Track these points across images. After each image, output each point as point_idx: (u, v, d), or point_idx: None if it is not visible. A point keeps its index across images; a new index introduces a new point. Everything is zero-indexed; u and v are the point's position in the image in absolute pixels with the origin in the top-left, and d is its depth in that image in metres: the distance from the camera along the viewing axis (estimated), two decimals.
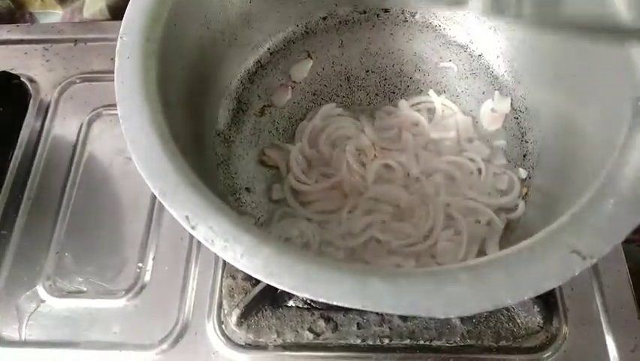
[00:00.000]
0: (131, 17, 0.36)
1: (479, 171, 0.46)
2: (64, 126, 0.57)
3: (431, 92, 0.50)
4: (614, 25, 0.30)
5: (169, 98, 0.36)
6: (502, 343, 0.43)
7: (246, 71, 0.52)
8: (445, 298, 0.26)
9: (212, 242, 0.28)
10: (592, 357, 0.44)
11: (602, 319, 0.45)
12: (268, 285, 0.42)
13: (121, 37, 0.35)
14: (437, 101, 0.49)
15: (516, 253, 0.27)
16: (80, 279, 0.48)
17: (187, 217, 0.28)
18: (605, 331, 0.44)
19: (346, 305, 0.26)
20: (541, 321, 0.43)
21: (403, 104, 0.50)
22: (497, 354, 0.43)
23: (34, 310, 0.47)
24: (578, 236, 0.28)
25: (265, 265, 0.27)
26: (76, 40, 0.63)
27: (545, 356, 0.43)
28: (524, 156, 0.48)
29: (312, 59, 0.53)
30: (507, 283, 0.26)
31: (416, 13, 0.54)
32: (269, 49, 0.54)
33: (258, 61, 0.53)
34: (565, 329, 0.44)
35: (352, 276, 0.26)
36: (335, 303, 0.26)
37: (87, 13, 0.70)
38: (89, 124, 0.57)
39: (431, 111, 0.50)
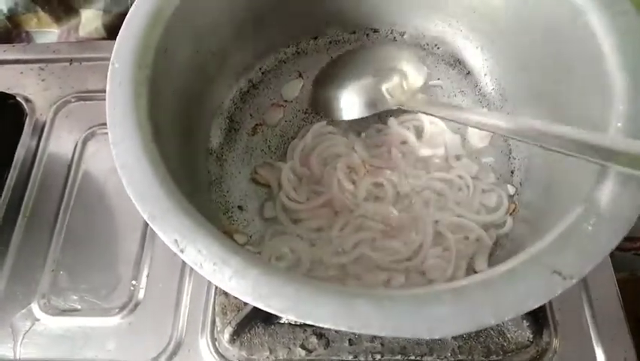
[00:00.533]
0: (123, 43, 0.37)
1: (468, 187, 0.47)
2: (59, 145, 0.58)
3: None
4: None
5: (160, 122, 0.36)
6: (493, 358, 0.44)
7: (237, 91, 0.53)
8: (429, 319, 0.26)
9: (201, 265, 0.28)
10: None
11: (592, 332, 0.45)
12: None
13: (112, 64, 0.36)
14: (425, 118, 0.50)
15: (499, 274, 0.28)
16: (75, 297, 0.49)
17: (176, 240, 0.29)
18: (594, 344, 0.45)
19: (333, 327, 0.26)
20: (531, 335, 0.44)
21: (392, 121, 0.50)
22: None
23: (29, 328, 0.47)
24: (558, 257, 0.28)
25: (254, 286, 0.28)
26: (71, 60, 0.64)
27: None
28: (512, 172, 0.48)
29: (303, 78, 0.54)
30: (490, 304, 0.27)
31: (405, 32, 0.55)
32: (260, 69, 0.54)
33: (250, 80, 0.54)
34: (555, 343, 0.45)
35: (339, 298, 0.27)
36: (322, 325, 0.26)
37: (83, 32, 0.71)
38: (84, 143, 0.58)
39: (419, 129, 0.50)
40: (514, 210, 0.46)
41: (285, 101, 0.53)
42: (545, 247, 0.29)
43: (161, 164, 0.32)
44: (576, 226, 0.29)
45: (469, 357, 0.43)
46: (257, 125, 0.52)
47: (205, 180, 0.48)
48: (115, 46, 0.37)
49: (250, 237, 0.47)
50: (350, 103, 0.50)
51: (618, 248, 0.29)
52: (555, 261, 0.28)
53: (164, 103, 0.38)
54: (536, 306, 0.27)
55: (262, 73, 0.54)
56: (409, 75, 0.50)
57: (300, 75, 0.54)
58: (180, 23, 0.40)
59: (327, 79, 0.53)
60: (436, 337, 0.26)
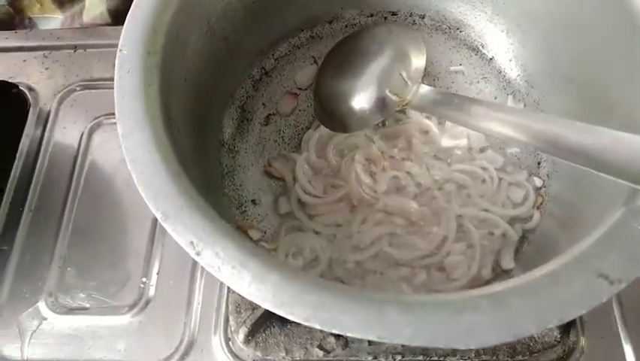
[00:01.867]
0: (131, 29, 0.34)
1: (492, 180, 0.45)
2: (64, 136, 0.56)
3: None
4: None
5: (172, 112, 0.34)
6: (519, 358, 0.42)
7: (250, 79, 0.51)
8: (464, 328, 0.24)
9: (219, 269, 0.26)
10: None
11: (621, 331, 0.43)
12: None
13: (120, 50, 0.34)
14: None
15: (538, 278, 0.26)
16: (83, 295, 0.47)
17: (192, 243, 0.27)
18: (623, 342, 0.43)
19: (360, 337, 0.24)
20: (559, 335, 0.42)
21: (412, 110, 0.48)
22: None
23: (37, 327, 0.46)
24: (604, 259, 0.26)
25: (274, 293, 0.26)
26: (75, 47, 0.62)
27: None
28: (539, 163, 0.46)
29: (318, 64, 0.52)
30: (530, 312, 0.24)
31: (425, 15, 0.52)
32: (273, 55, 0.52)
33: (262, 68, 0.52)
34: (582, 342, 0.43)
35: (367, 305, 0.25)
36: (349, 334, 0.24)
37: (87, 18, 0.69)
38: (90, 133, 0.56)
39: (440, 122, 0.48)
40: (541, 204, 0.44)
41: (299, 89, 0.51)
42: (589, 248, 0.27)
43: (173, 158, 0.30)
44: (622, 225, 0.27)
45: (494, 358, 0.42)
46: (270, 114, 0.50)
47: (217, 173, 0.46)
48: (122, 31, 0.34)
49: (264, 232, 0.45)
50: (354, 115, 0.46)
51: None
52: (601, 264, 0.26)
53: (175, 92, 0.36)
54: (580, 314, 0.25)
55: (275, 59, 0.52)
56: (410, 59, 0.46)
57: (315, 61, 0.52)
58: (191, 7, 0.37)
59: (324, 88, 0.49)
60: (472, 347, 0.24)
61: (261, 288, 0.26)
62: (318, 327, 0.24)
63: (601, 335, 0.43)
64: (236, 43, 0.47)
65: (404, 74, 0.44)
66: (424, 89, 0.43)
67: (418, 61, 0.46)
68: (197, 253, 0.27)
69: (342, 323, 0.24)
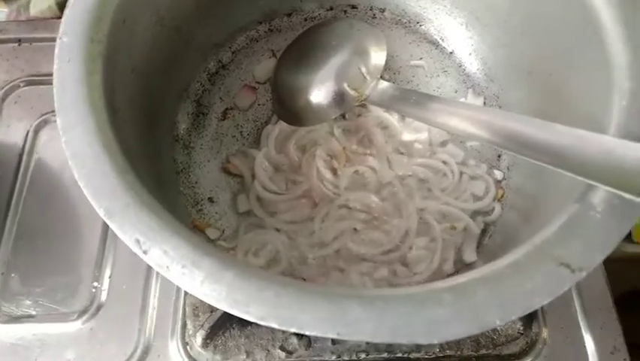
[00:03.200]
0: (73, 15, 0.32)
1: (453, 174, 0.44)
2: (8, 134, 0.52)
3: None
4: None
5: (118, 105, 0.32)
6: (482, 351, 0.42)
7: (205, 72, 0.49)
8: (427, 322, 0.23)
9: (168, 268, 0.24)
10: (572, 359, 0.42)
11: (581, 321, 0.44)
12: None
13: (60, 38, 0.31)
14: None
15: (501, 269, 0.25)
16: (29, 302, 0.44)
17: (137, 241, 0.25)
18: (584, 333, 0.43)
19: (320, 335, 0.23)
20: (521, 327, 0.42)
21: (372, 107, 0.47)
22: None
23: None
24: (565, 247, 0.26)
25: (228, 292, 0.24)
26: (20, 40, 0.58)
27: None
28: (499, 156, 0.46)
29: (276, 58, 0.50)
30: (494, 304, 0.24)
31: (385, 9, 0.52)
32: (230, 48, 0.50)
33: (219, 61, 0.50)
34: (544, 333, 0.43)
35: (326, 301, 0.24)
36: (307, 333, 0.23)
37: (34, 11, 0.65)
38: (37, 131, 0.53)
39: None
40: (502, 196, 0.44)
41: (258, 82, 0.49)
42: (550, 237, 0.26)
43: (118, 153, 0.28)
44: (582, 214, 0.27)
45: (458, 352, 0.41)
46: (227, 109, 0.48)
47: (171, 169, 0.44)
48: (63, 17, 0.32)
49: (223, 231, 0.43)
50: (312, 109, 0.45)
51: None
52: (562, 252, 0.25)
53: (121, 82, 0.33)
54: (544, 303, 0.24)
55: (233, 52, 0.50)
56: (370, 54, 0.45)
57: (274, 54, 0.50)
58: None
59: (282, 82, 0.48)
60: (435, 341, 0.23)
61: (214, 287, 0.24)
62: (275, 326, 0.23)
63: (562, 325, 0.44)
64: (189, 34, 0.45)
65: (363, 69, 0.44)
66: (383, 84, 0.42)
67: (378, 57, 0.45)
68: (144, 252, 0.25)
69: (301, 321, 0.23)
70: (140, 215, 0.26)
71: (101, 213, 0.26)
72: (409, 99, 0.39)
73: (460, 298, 0.24)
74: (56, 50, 0.31)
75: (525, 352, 0.42)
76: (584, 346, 0.43)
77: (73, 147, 0.27)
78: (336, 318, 0.23)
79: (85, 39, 0.31)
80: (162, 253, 0.25)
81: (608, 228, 0.26)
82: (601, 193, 0.27)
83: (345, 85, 0.43)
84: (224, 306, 0.24)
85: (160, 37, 0.40)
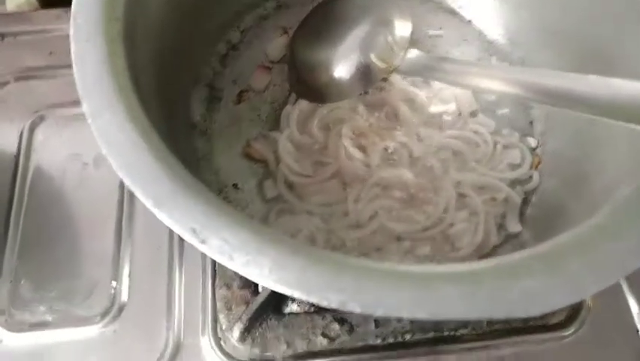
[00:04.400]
0: None
1: (486, 143, 0.43)
2: (1, 135, 0.49)
3: None
4: None
5: (142, 89, 0.29)
6: (530, 323, 0.41)
7: (215, 55, 0.46)
8: (523, 294, 0.21)
9: (231, 257, 0.22)
10: (618, 325, 0.42)
11: (624, 286, 0.43)
12: (273, 291, 0.37)
13: (74, 19, 0.28)
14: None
15: (588, 233, 0.24)
16: (43, 308, 0.42)
17: (194, 230, 0.22)
18: (627, 297, 0.42)
19: (409, 316, 0.21)
20: None
21: (395, 77, 0.45)
22: (525, 335, 0.41)
23: None
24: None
25: (301, 278, 0.22)
26: (3, 35, 0.54)
27: (572, 330, 0.41)
28: (531, 123, 0.44)
29: (289, 35, 0.47)
30: (589, 270, 0.22)
31: None
32: (239, 27, 0.48)
33: (229, 42, 0.47)
34: (588, 301, 0.42)
35: (409, 280, 0.22)
36: (396, 315, 0.21)
37: (12, 5, 0.61)
38: (32, 130, 0.49)
39: (426, 83, 0.45)
40: (538, 164, 0.42)
41: (272, 62, 0.47)
42: (632, 195, 0.25)
43: (155, 137, 0.25)
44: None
45: (506, 325, 0.40)
46: (242, 91, 0.45)
47: (192, 158, 0.41)
48: None
49: (252, 218, 0.40)
50: (336, 85, 0.43)
51: None
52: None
53: (142, 65, 0.31)
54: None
55: (241, 32, 0.47)
56: (394, 24, 0.43)
57: (286, 32, 0.48)
58: None
59: (301, 59, 0.45)
60: (535, 314, 0.21)
61: (284, 276, 0.22)
62: (358, 311, 0.21)
63: (604, 291, 0.43)
64: (199, 13, 0.42)
65: (390, 40, 0.41)
66: (414, 53, 0.40)
67: (403, 27, 0.42)
68: (202, 241, 0.22)
69: (387, 304, 0.21)
70: (190, 202, 0.23)
71: (149, 203, 0.23)
72: (442, 66, 0.37)
73: (552, 266, 0.22)
74: (71, 32, 0.28)
75: (570, 319, 0.41)
76: (630, 310, 0.42)
77: (106, 134, 0.25)
78: (426, 298, 0.21)
79: (102, 18, 0.28)
80: (222, 241, 0.22)
81: None
82: None
83: (373, 56, 0.41)
84: (299, 294, 0.21)
85: (170, 18, 0.37)
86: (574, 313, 0.42)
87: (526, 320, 0.40)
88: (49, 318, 0.41)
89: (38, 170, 0.47)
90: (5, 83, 0.52)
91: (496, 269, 0.22)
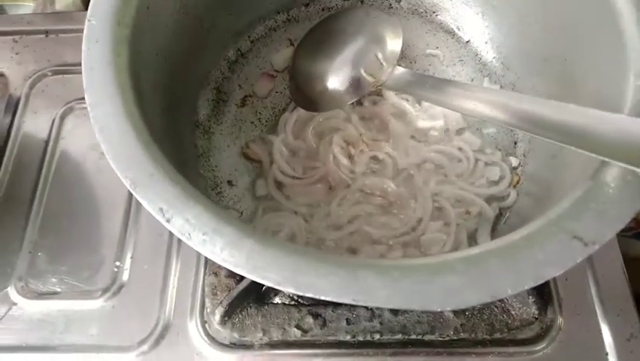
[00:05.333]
0: (100, 0, 0.33)
1: (468, 160, 0.45)
2: (35, 121, 0.54)
3: None
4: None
5: (142, 86, 0.33)
6: (497, 335, 0.42)
7: (225, 60, 0.50)
8: (440, 289, 0.24)
9: (189, 236, 0.26)
10: (588, 347, 0.43)
11: (597, 308, 0.44)
12: (253, 281, 0.40)
13: (89, 21, 0.33)
14: None
15: (514, 241, 0.26)
16: (54, 279, 0.46)
17: (161, 209, 0.26)
18: (600, 320, 0.43)
19: (336, 300, 0.24)
20: (536, 312, 0.42)
21: (389, 93, 0.48)
22: (491, 347, 0.42)
23: (6, 313, 0.45)
24: (578, 221, 0.26)
25: (248, 258, 0.25)
26: (47, 32, 0.60)
27: (540, 347, 0.42)
28: (515, 143, 0.46)
29: (294, 46, 0.51)
30: (506, 273, 0.24)
31: None
32: (249, 37, 0.51)
33: (238, 49, 0.51)
34: (560, 320, 0.43)
35: (342, 269, 0.25)
36: (324, 298, 0.24)
37: (60, 5, 0.67)
38: (62, 119, 0.54)
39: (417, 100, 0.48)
40: (517, 183, 0.44)
41: (276, 70, 0.51)
42: (563, 211, 0.27)
43: (144, 128, 0.29)
44: (596, 190, 0.27)
45: (472, 335, 0.42)
46: (246, 96, 0.49)
47: (192, 154, 0.45)
48: (91, 2, 0.33)
49: (241, 213, 0.44)
50: (329, 95, 0.46)
51: None
52: (575, 226, 0.26)
53: (146, 66, 0.35)
54: (556, 274, 0.25)
55: (251, 41, 0.51)
56: (386, 41, 0.46)
57: (292, 43, 0.51)
58: None
59: (300, 69, 0.48)
60: (449, 308, 0.24)
61: (234, 253, 0.25)
62: (292, 291, 0.24)
63: (578, 312, 0.44)
64: (211, 22, 0.46)
65: (380, 56, 0.44)
66: (399, 70, 0.43)
67: (394, 44, 0.45)
68: (167, 220, 0.26)
69: (318, 287, 0.24)
70: (163, 185, 0.27)
71: (126, 183, 0.27)
72: (425, 84, 0.40)
73: (473, 267, 0.25)
74: (85, 32, 0.32)
75: (540, 337, 0.43)
76: (600, 332, 0.43)
77: (101, 121, 0.29)
78: (352, 285, 0.24)
79: (112, 22, 0.33)
80: (184, 221, 0.26)
81: (621, 203, 0.26)
82: (614, 170, 0.28)
83: (362, 71, 0.44)
84: (243, 271, 0.25)
85: (182, 25, 0.41)
86: (544, 331, 0.43)
87: (492, 332, 0.41)
88: (58, 289, 0.46)
89: (64, 155, 0.52)
90: (45, 75, 0.57)
91: (421, 265, 0.25)
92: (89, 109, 0.29)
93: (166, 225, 0.26)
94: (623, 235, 0.71)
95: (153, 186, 0.27)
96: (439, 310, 0.24)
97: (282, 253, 0.25)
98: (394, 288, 0.24)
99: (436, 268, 0.25)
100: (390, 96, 0.48)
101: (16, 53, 0.59)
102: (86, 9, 0.66)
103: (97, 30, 0.32)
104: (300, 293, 0.24)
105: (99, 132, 0.28)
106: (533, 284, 0.24)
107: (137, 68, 0.33)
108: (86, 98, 0.30)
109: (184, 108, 0.45)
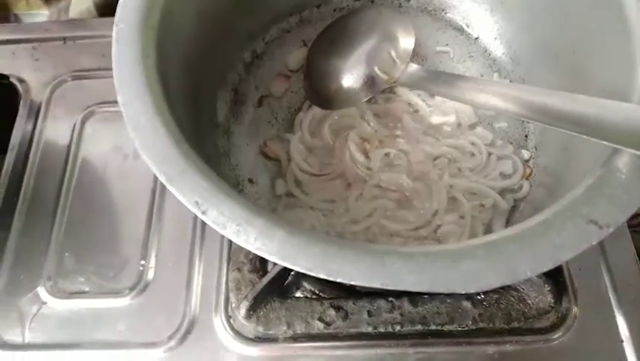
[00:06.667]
0: (127, 5, 0.35)
1: (481, 153, 0.46)
2: (56, 126, 0.56)
3: None
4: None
5: (169, 87, 0.35)
6: (514, 324, 0.43)
7: (241, 62, 0.52)
8: (463, 273, 0.25)
9: (224, 226, 0.27)
10: (603, 335, 0.43)
11: (612, 297, 0.45)
12: (276, 276, 0.42)
13: (117, 25, 0.34)
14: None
15: (531, 227, 0.27)
16: (82, 279, 0.47)
17: (197, 202, 0.27)
18: (615, 309, 0.44)
19: (365, 284, 0.25)
20: (552, 301, 0.43)
21: (402, 89, 0.49)
22: (509, 336, 0.43)
23: (37, 312, 0.46)
24: (593, 206, 0.27)
25: (280, 247, 0.26)
26: (64, 39, 0.62)
27: (557, 335, 0.43)
28: (526, 136, 0.47)
29: (307, 47, 0.53)
30: (525, 257, 0.26)
31: None
32: (264, 39, 0.53)
33: (254, 51, 0.52)
34: (575, 309, 0.44)
35: (370, 255, 0.26)
36: (354, 282, 0.25)
37: (74, 13, 0.69)
38: (83, 123, 0.56)
39: (430, 96, 0.49)
40: (530, 175, 0.45)
41: (291, 71, 0.52)
42: (578, 197, 0.28)
43: (174, 125, 0.31)
44: (608, 175, 0.28)
45: (490, 325, 0.43)
46: (262, 96, 0.51)
47: (214, 153, 0.46)
48: (118, 6, 0.35)
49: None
50: (343, 93, 0.47)
51: None
52: (590, 210, 0.27)
53: (171, 67, 0.36)
54: (572, 256, 0.26)
55: (266, 43, 0.53)
56: (398, 40, 0.47)
57: (305, 44, 0.53)
58: None
59: (315, 69, 0.50)
60: (472, 291, 0.25)
61: (267, 243, 0.26)
62: (323, 276, 0.25)
63: (592, 301, 0.45)
64: (228, 25, 0.47)
65: (393, 54, 0.46)
66: (413, 67, 0.44)
67: (406, 42, 0.47)
68: (203, 212, 0.27)
69: (347, 273, 0.25)
70: (196, 180, 0.28)
71: (162, 178, 0.28)
72: (438, 79, 0.41)
73: (493, 252, 0.26)
74: (114, 35, 0.34)
75: (556, 326, 0.44)
76: (615, 321, 0.44)
77: (134, 120, 0.30)
78: (380, 270, 0.25)
79: (139, 26, 0.34)
80: (219, 213, 0.27)
81: (633, 187, 0.28)
82: (625, 157, 0.29)
83: (376, 68, 0.45)
84: (276, 259, 0.26)
85: (202, 28, 0.43)
86: (560, 320, 0.44)
87: (509, 321, 0.42)
88: (86, 288, 0.47)
89: (86, 159, 0.54)
90: (65, 81, 0.59)
91: (444, 252, 0.26)
92: (121, 108, 0.31)
93: (202, 217, 0.27)
94: (633, 230, 0.72)
95: (187, 181, 0.28)
96: (463, 292, 0.25)
97: (312, 241, 0.26)
98: (420, 273, 0.25)
99: (458, 254, 0.26)
100: (404, 93, 0.49)
101: (36, 60, 0.60)
102: (100, 16, 0.68)
103: (125, 33, 0.34)
104: (331, 278, 0.25)
105: (132, 130, 0.30)
106: (552, 266, 0.25)
107: (163, 68, 0.34)
108: (118, 98, 0.31)
109: (205, 109, 0.47)
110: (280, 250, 0.26)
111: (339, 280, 0.25)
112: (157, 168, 0.28)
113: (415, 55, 0.52)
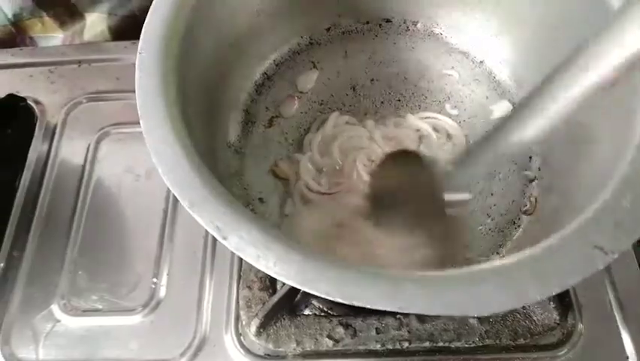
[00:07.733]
0: (149, 33, 0.36)
1: None
2: (71, 147, 0.57)
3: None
4: None
5: (187, 111, 0.36)
6: (520, 341, 0.44)
7: (253, 83, 0.53)
8: (476, 297, 0.26)
9: (245, 251, 0.28)
10: (608, 351, 0.44)
11: (616, 314, 0.45)
12: (286, 294, 0.43)
13: (140, 54, 0.36)
14: (444, 118, 0.51)
15: (540, 252, 0.28)
16: (95, 297, 0.48)
17: (218, 228, 0.29)
18: (619, 325, 0.45)
19: (381, 308, 0.26)
20: (557, 317, 0.44)
21: (411, 117, 0.51)
22: (515, 353, 0.44)
23: (50, 330, 0.47)
24: (599, 232, 0.28)
25: (298, 271, 0.27)
26: (80, 62, 0.63)
27: (563, 352, 0.44)
28: (530, 158, 0.49)
29: (317, 69, 0.54)
30: (534, 281, 0.27)
31: (417, 22, 0.55)
32: (274, 61, 0.54)
33: (264, 73, 0.54)
34: (580, 326, 0.45)
35: (385, 280, 0.27)
36: (370, 306, 0.26)
37: (88, 36, 0.70)
38: (97, 144, 0.57)
39: (437, 127, 0.51)
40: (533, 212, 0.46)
41: (300, 92, 0.53)
42: (584, 223, 0.29)
43: (194, 152, 0.32)
44: (614, 203, 0.30)
45: (497, 341, 0.43)
46: (273, 117, 0.52)
47: (226, 173, 0.47)
48: (142, 35, 0.36)
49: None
50: None
51: None
52: (596, 237, 0.28)
53: (189, 93, 0.38)
54: (578, 281, 0.27)
55: (276, 65, 0.54)
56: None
57: (315, 66, 0.54)
58: (203, 13, 0.40)
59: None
60: (485, 314, 0.26)
61: (285, 267, 0.27)
62: (339, 300, 0.26)
63: (597, 318, 0.45)
64: (240, 49, 0.49)
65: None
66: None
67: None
68: (224, 238, 0.28)
69: (364, 297, 0.26)
70: (217, 205, 0.29)
71: (185, 204, 0.29)
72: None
73: (503, 277, 0.27)
74: (137, 63, 0.35)
75: (562, 342, 0.44)
76: (620, 337, 0.44)
77: (156, 147, 0.31)
78: (395, 294, 0.26)
79: (160, 54, 0.36)
80: (239, 238, 0.28)
81: (637, 215, 0.29)
82: (630, 186, 0.30)
83: None
84: (295, 283, 0.27)
85: (218, 53, 0.44)
86: (565, 337, 0.45)
87: (515, 338, 0.43)
88: (99, 306, 0.48)
89: (100, 179, 0.55)
90: (80, 103, 0.60)
91: (457, 277, 0.27)
92: (144, 135, 0.32)
93: (223, 242, 0.28)
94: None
95: (208, 206, 0.29)
96: (476, 315, 0.26)
97: (329, 266, 0.27)
98: (435, 298, 0.26)
99: (471, 279, 0.27)
100: (412, 119, 0.50)
101: (52, 83, 0.62)
102: (114, 39, 0.70)
103: (147, 62, 0.35)
104: (346, 302, 0.26)
105: (156, 157, 0.31)
106: (559, 290, 0.26)
107: (182, 96, 0.36)
108: (141, 124, 0.33)
109: (219, 131, 0.48)
110: (298, 275, 0.27)
111: (356, 304, 0.26)
112: (180, 194, 0.29)
113: (421, 77, 0.54)
